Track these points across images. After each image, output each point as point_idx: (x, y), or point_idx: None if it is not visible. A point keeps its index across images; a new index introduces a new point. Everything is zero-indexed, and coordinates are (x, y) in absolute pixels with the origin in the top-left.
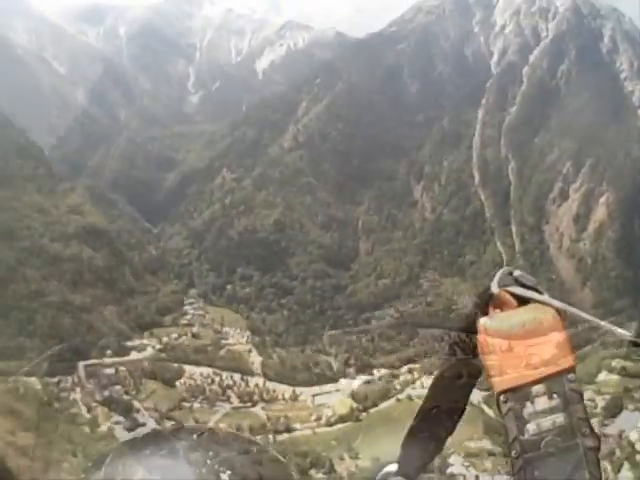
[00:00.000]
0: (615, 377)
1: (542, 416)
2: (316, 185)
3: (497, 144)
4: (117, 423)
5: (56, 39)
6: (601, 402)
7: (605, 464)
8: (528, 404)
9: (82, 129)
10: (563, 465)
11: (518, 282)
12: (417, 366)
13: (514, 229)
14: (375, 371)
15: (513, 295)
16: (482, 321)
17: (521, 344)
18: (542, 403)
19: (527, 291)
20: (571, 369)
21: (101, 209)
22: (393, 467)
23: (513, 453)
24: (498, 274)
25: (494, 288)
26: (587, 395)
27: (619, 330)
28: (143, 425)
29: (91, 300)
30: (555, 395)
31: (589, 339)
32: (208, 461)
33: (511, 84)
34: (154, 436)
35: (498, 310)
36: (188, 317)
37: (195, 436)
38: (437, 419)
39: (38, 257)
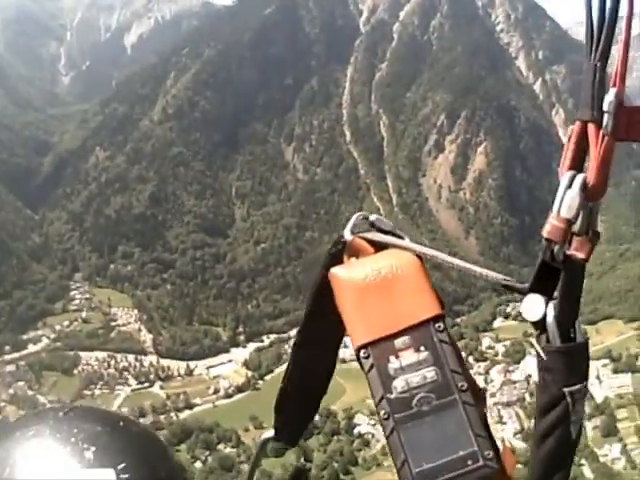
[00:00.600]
0: (512, 322)
1: (410, 371)
2: (188, 155)
3: (367, 101)
4: None
5: None
6: (501, 349)
7: (517, 409)
8: (392, 359)
9: None
10: (441, 424)
11: (375, 227)
12: None
13: (390, 184)
14: (264, 337)
15: (370, 242)
16: (333, 271)
17: (378, 293)
18: (408, 357)
19: (384, 236)
20: (438, 318)
21: None
22: (270, 433)
23: (382, 414)
24: (352, 220)
25: (347, 235)
26: (486, 342)
27: (491, 274)
28: None
29: None
30: (422, 347)
31: (483, 287)
32: (72, 439)
33: (381, 41)
34: (26, 418)
35: (354, 259)
36: (76, 302)
37: (61, 414)
38: (307, 377)
39: None
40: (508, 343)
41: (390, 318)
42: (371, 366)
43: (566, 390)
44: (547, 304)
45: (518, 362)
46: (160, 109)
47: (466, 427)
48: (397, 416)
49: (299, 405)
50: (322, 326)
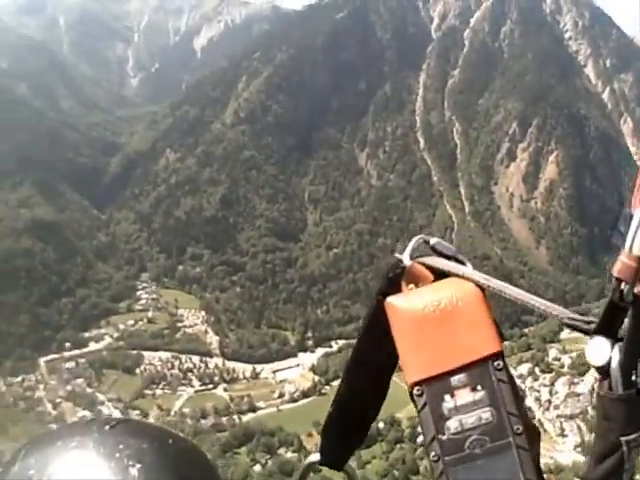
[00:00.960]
0: (579, 334)
1: (465, 411)
2: (260, 159)
3: (440, 107)
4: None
5: None
6: (567, 360)
7: (578, 422)
8: (447, 397)
9: (25, 122)
10: (492, 468)
11: (435, 251)
12: None
13: (463, 191)
14: (333, 343)
15: (430, 268)
16: (390, 300)
17: (436, 326)
18: (464, 396)
19: (445, 262)
20: (498, 355)
21: (49, 200)
22: (316, 457)
23: (432, 455)
24: (411, 243)
25: (406, 260)
26: (552, 354)
27: (556, 309)
28: None
29: (46, 293)
30: (479, 387)
31: (552, 298)
32: (117, 454)
33: (452, 48)
34: (69, 427)
35: (413, 286)
36: (142, 302)
37: (107, 427)
38: (357, 402)
39: None
40: (574, 355)
41: (447, 354)
42: (424, 404)
43: (623, 439)
44: (612, 347)
45: (583, 374)
46: (232, 112)
47: (518, 472)
48: (447, 459)
49: (347, 430)
50: (375, 353)
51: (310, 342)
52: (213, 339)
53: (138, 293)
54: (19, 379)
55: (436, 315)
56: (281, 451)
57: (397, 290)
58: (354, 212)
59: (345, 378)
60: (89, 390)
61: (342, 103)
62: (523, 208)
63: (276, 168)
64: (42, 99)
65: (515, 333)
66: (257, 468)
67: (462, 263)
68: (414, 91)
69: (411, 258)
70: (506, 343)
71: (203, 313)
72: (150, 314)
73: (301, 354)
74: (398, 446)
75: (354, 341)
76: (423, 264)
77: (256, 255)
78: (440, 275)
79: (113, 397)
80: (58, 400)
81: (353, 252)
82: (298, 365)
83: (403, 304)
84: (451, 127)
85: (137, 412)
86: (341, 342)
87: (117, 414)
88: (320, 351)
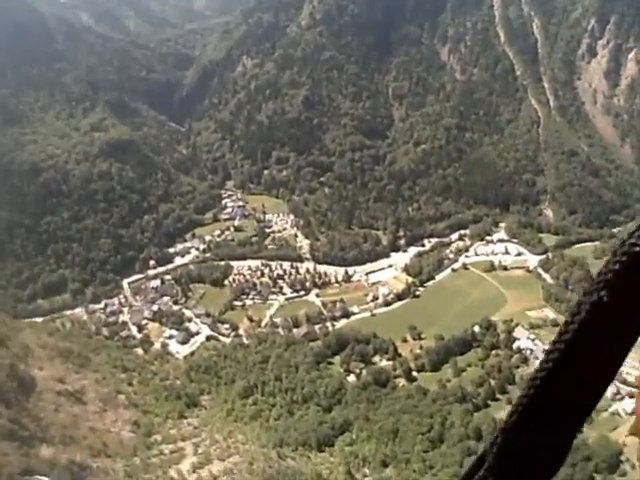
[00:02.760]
0: None
1: None
2: (341, 59)
3: (518, 2)
4: (170, 337)
5: None
6: None
7: None
8: None
9: (91, 48)
10: None
11: None
12: (467, 232)
13: (546, 86)
14: (425, 241)
15: None
16: None
17: None
18: None
19: None
20: None
21: (124, 120)
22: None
23: None
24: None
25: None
26: None
27: None
28: (197, 334)
29: (126, 214)
30: None
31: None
32: None
33: None
34: None
35: None
36: (228, 211)
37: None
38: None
39: (66, 183)
40: None
41: None
42: None
43: None
44: None
45: None
46: (307, 15)
47: None
48: None
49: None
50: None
51: (402, 241)
52: (303, 243)
53: (223, 202)
54: (101, 305)
55: None
56: (376, 359)
57: (631, 287)
58: (440, 107)
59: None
60: (176, 308)
61: (418, 1)
62: (606, 104)
63: (357, 67)
64: (106, 24)
65: (605, 233)
66: (351, 379)
67: None
68: None
69: None
70: (596, 243)
71: (292, 217)
72: (237, 222)
73: (393, 254)
74: (494, 352)
75: (446, 239)
76: None
77: (343, 154)
78: None
79: (201, 312)
80: (144, 322)
81: (441, 147)
82: (391, 266)
83: None
84: (530, 22)
85: (226, 326)
86: (433, 240)
87: (206, 330)
88: (412, 250)
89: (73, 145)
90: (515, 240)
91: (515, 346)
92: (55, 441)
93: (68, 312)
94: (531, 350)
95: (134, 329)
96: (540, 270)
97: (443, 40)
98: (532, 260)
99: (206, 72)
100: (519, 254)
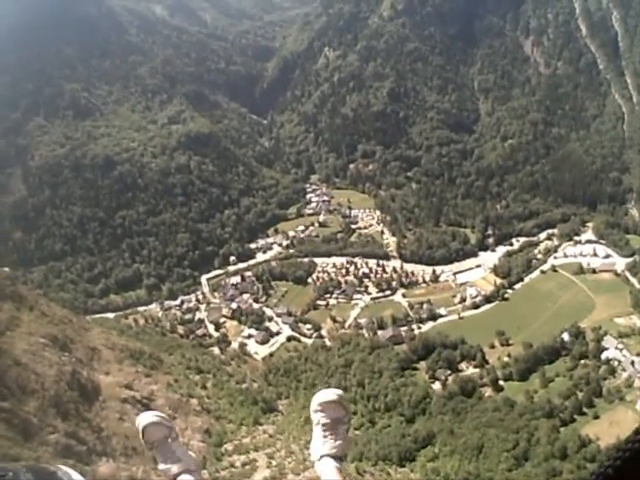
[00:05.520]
0: None
1: None
2: (425, 50)
3: None
4: (249, 337)
5: None
6: None
7: None
8: None
9: (166, 40)
10: None
11: None
12: (555, 231)
13: (629, 81)
14: (514, 240)
15: None
16: None
17: None
18: None
19: None
20: None
21: (203, 113)
22: None
23: None
24: None
25: None
26: None
27: None
28: (278, 334)
29: (206, 208)
30: None
31: None
32: None
33: None
34: None
35: None
36: (312, 205)
37: None
38: None
39: (142, 177)
40: None
41: None
42: None
43: None
44: None
45: None
46: (388, 6)
47: None
48: None
49: None
50: None
51: (490, 240)
52: (390, 240)
53: (308, 196)
54: (177, 302)
55: None
56: (462, 366)
57: None
58: (526, 101)
59: None
60: (256, 306)
61: None
62: None
63: (442, 59)
64: (181, 16)
65: None
66: (436, 386)
67: None
68: None
69: None
70: None
71: (378, 213)
72: (321, 217)
73: (482, 253)
74: (582, 362)
75: (534, 238)
76: None
77: (430, 148)
78: None
79: (282, 311)
80: (221, 320)
81: (528, 143)
82: (479, 266)
83: None
84: (609, 14)
85: (308, 326)
86: (522, 239)
87: (287, 330)
88: (501, 250)
89: (150, 138)
90: (603, 241)
91: (603, 356)
92: (116, 454)
93: (142, 308)
94: (619, 361)
95: (211, 327)
96: (628, 274)
97: (526, 32)
98: (619, 263)
99: (287, 64)
100: (607, 256)
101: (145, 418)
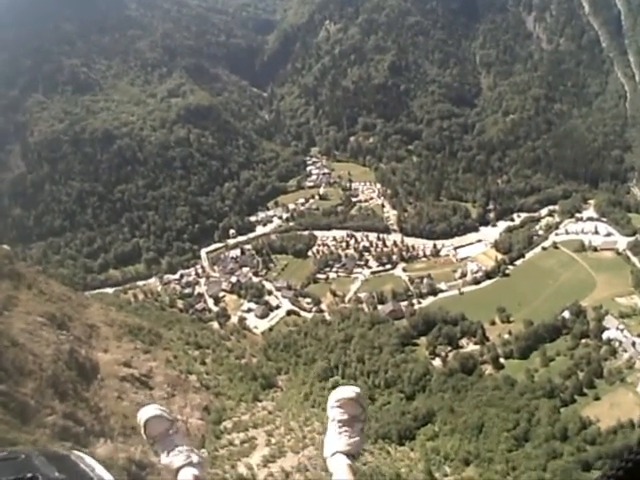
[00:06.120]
0: None
1: None
2: (426, 24)
3: None
4: (249, 311)
5: None
6: None
7: None
8: None
9: (166, 14)
10: None
11: None
12: (556, 207)
13: (631, 59)
14: (515, 215)
15: None
16: None
17: None
18: None
19: None
20: None
21: (203, 86)
22: None
23: None
24: None
25: None
26: None
27: None
28: (277, 308)
29: (206, 181)
30: None
31: None
32: None
33: None
34: None
35: None
36: (313, 178)
37: None
38: None
39: (141, 150)
40: None
41: None
42: None
43: None
44: None
45: None
46: None
47: None
48: None
49: None
50: None
51: (491, 215)
52: (390, 214)
53: (308, 169)
54: (177, 275)
55: None
56: (463, 342)
57: None
58: (528, 76)
59: None
60: (256, 279)
61: None
62: None
63: (444, 33)
64: None
65: None
66: (437, 363)
67: None
68: None
69: None
70: None
71: (379, 186)
72: (322, 190)
73: (482, 228)
74: (583, 341)
75: (536, 214)
76: None
77: (431, 122)
78: None
79: (282, 285)
80: (221, 294)
81: (530, 118)
82: (480, 241)
83: None
84: None
85: (308, 300)
86: (523, 215)
87: (287, 304)
88: (502, 225)
89: (149, 112)
90: (604, 219)
91: (605, 336)
92: (114, 434)
93: (141, 283)
94: (620, 342)
95: (210, 301)
96: (629, 253)
97: (528, 8)
98: (621, 241)
99: (288, 37)
100: (608, 234)
101: (146, 412)
